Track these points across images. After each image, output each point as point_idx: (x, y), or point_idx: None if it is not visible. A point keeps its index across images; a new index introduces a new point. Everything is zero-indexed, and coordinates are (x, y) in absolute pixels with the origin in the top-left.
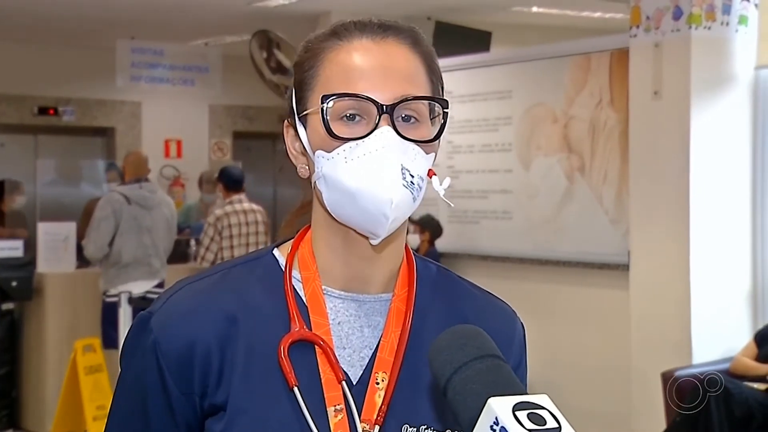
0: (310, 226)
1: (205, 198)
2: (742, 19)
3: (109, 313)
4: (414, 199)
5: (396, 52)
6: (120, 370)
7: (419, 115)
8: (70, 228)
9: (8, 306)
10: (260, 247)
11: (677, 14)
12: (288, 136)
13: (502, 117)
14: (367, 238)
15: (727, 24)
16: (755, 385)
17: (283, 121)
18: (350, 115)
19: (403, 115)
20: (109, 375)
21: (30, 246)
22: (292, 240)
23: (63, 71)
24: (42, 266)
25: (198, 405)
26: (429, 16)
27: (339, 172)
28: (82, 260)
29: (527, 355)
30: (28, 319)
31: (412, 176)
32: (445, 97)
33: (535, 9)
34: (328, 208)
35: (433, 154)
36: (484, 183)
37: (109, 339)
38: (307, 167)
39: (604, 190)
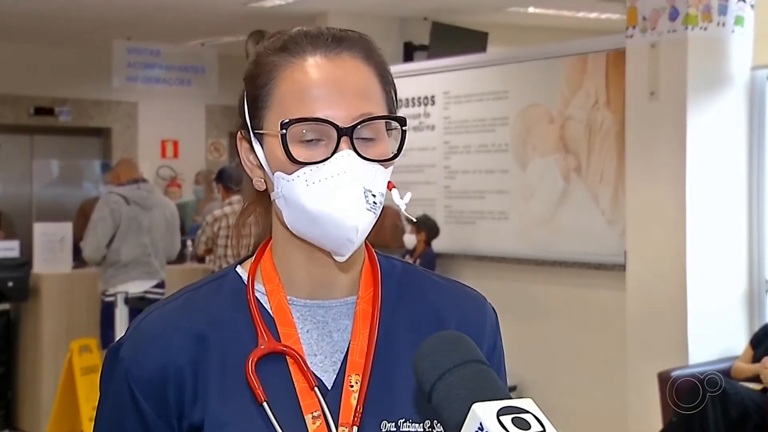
0: (269, 239)
1: (197, 192)
2: (738, 20)
3: (107, 313)
4: (376, 215)
5: (350, 67)
6: (98, 398)
7: (378, 133)
8: (66, 228)
9: (4, 306)
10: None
11: (673, 15)
12: (242, 148)
13: (498, 117)
14: (329, 254)
15: (724, 25)
16: (751, 385)
17: (236, 133)
18: (309, 138)
19: (363, 135)
20: None
21: (26, 246)
22: (253, 256)
23: (59, 71)
24: (38, 267)
25: (176, 427)
26: (425, 17)
27: (300, 195)
28: (79, 261)
29: (502, 340)
30: (25, 320)
31: (374, 195)
32: (398, 111)
33: (531, 10)
34: (289, 227)
35: (391, 167)
36: (480, 183)
37: (107, 339)
38: (263, 180)
39: (601, 190)
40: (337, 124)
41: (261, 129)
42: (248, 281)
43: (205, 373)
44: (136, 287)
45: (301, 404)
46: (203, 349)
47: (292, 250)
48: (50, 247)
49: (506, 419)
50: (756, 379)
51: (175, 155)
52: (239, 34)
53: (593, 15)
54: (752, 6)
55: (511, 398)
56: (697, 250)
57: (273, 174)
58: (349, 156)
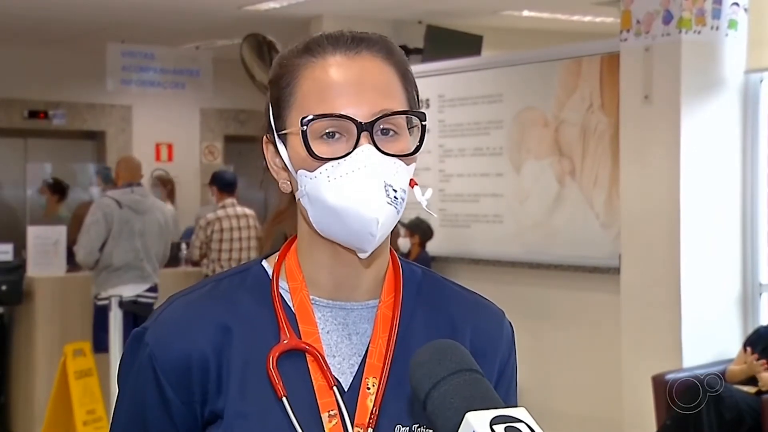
0: (295, 236)
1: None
2: (732, 24)
3: (100, 317)
4: (398, 212)
5: (370, 65)
6: (118, 388)
7: (398, 128)
8: (60, 232)
9: None
10: (252, 250)
11: (667, 18)
12: (268, 152)
13: (493, 121)
14: (353, 252)
15: (717, 28)
16: (745, 388)
17: (262, 137)
18: (330, 133)
19: (382, 129)
20: (99, 379)
21: (20, 250)
22: (279, 252)
23: (53, 75)
24: (32, 270)
25: (199, 413)
26: (420, 20)
27: (322, 191)
28: (72, 264)
29: (516, 355)
30: (18, 323)
31: (395, 191)
32: (421, 109)
33: (526, 13)
34: (314, 225)
35: (413, 164)
36: (475, 186)
37: (100, 343)
38: (288, 182)
39: (595, 193)
40: (357, 119)
41: (284, 129)
42: (273, 277)
43: (228, 363)
44: (129, 291)
45: (318, 402)
46: (227, 339)
47: (317, 249)
48: (44, 250)
49: (499, 428)
50: (750, 382)
51: (170, 158)
52: (234, 37)
53: (588, 18)
54: (746, 10)
55: (504, 407)
56: (691, 253)
57: (296, 173)
58: (369, 150)
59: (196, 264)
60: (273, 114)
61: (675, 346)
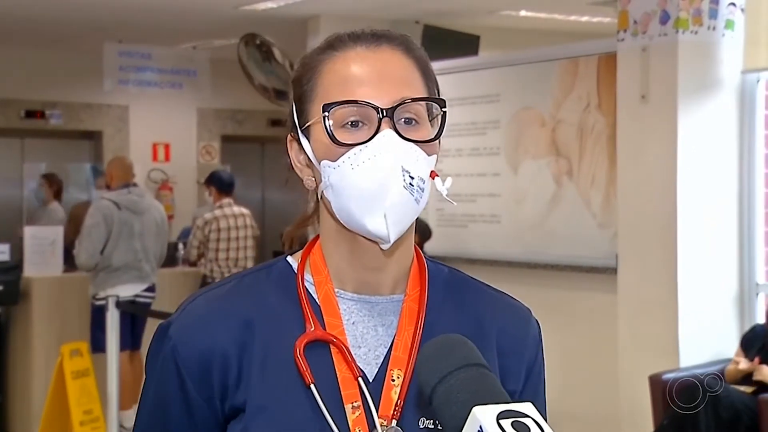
0: (318, 235)
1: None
2: (729, 24)
3: (97, 317)
4: (417, 201)
5: (390, 58)
6: (144, 378)
7: (419, 117)
8: (57, 232)
9: None
10: (249, 249)
11: (664, 18)
12: (292, 150)
13: (490, 120)
14: (377, 243)
15: (714, 28)
16: (742, 388)
17: (286, 137)
18: (352, 122)
19: (404, 118)
20: (96, 379)
21: (17, 250)
22: (303, 249)
23: (50, 74)
24: (29, 270)
25: (219, 409)
26: (417, 20)
27: (346, 180)
28: (69, 264)
29: (544, 353)
30: (15, 324)
31: (412, 177)
32: (442, 98)
33: (523, 13)
34: (338, 217)
35: (435, 156)
36: (472, 186)
37: (97, 343)
38: (313, 179)
39: (592, 193)
40: (378, 105)
41: (307, 122)
42: (298, 270)
43: (249, 358)
44: (127, 291)
45: (342, 394)
46: (249, 334)
47: (341, 243)
48: (41, 250)
49: (506, 423)
50: (747, 381)
51: (167, 158)
52: (231, 37)
53: (585, 18)
54: (742, 10)
55: (511, 402)
56: (688, 253)
57: (320, 164)
58: (389, 135)
59: (193, 264)
60: (296, 111)
61: (672, 345)
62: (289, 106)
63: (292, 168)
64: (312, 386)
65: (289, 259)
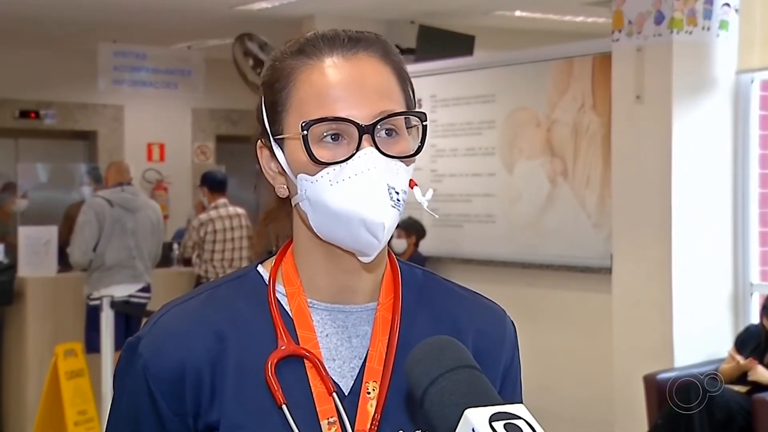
0: (290, 240)
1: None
2: (723, 24)
3: (92, 317)
4: (399, 212)
5: (368, 66)
6: (113, 395)
7: (398, 128)
8: (51, 232)
9: None
10: (244, 249)
11: (659, 19)
12: (263, 156)
13: (485, 121)
14: (352, 254)
15: (709, 29)
16: (736, 388)
17: (256, 141)
18: (332, 135)
19: (385, 129)
20: (90, 379)
21: (11, 250)
22: (275, 256)
23: (44, 74)
24: (23, 270)
25: (192, 426)
26: (412, 20)
27: (325, 196)
28: (64, 264)
29: (520, 354)
30: (9, 324)
31: (398, 193)
32: (420, 109)
33: (518, 13)
34: (315, 230)
35: (413, 164)
36: (467, 186)
37: (92, 343)
38: (285, 187)
39: (587, 193)
40: (358, 122)
41: (281, 133)
42: (269, 282)
43: (222, 373)
44: (121, 291)
45: (317, 409)
46: (222, 348)
47: (315, 253)
48: (35, 250)
49: (498, 425)
50: (742, 381)
51: (161, 158)
52: (226, 37)
53: (579, 19)
54: (737, 10)
55: (503, 404)
56: (682, 253)
57: (296, 177)
58: (371, 153)
59: (188, 264)
60: (268, 118)
61: (666, 345)
62: (257, 110)
63: (263, 174)
64: (284, 407)
65: (260, 268)
